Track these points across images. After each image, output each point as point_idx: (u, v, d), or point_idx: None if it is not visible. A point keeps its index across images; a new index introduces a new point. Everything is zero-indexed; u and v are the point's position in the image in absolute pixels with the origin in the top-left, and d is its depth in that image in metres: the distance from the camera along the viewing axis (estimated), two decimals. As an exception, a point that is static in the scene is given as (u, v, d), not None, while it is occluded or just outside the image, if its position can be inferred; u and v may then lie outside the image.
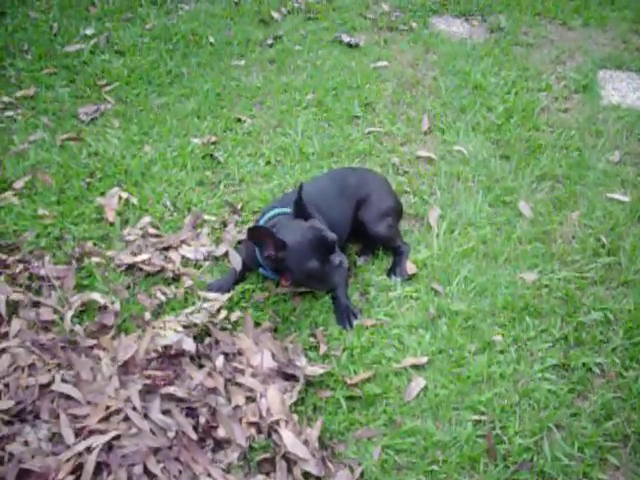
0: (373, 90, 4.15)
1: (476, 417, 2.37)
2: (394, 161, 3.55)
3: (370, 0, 5.32)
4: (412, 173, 3.49)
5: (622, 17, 5.21)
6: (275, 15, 5.06)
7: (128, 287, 2.81)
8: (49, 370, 2.38)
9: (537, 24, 5.07)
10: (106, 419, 2.21)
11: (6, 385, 2.32)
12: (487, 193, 3.35)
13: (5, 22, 4.96)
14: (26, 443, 2.17)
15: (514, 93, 4.14)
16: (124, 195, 3.27)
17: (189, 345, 2.47)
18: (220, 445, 2.23)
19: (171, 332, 2.52)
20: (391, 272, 2.92)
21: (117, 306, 2.70)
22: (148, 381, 2.31)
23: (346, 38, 4.70)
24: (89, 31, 4.84)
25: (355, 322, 2.69)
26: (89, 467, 2.06)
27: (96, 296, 2.71)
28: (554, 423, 2.36)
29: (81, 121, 3.89)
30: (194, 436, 2.20)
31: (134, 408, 2.22)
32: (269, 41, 4.72)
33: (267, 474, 2.18)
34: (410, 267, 2.93)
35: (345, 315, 2.70)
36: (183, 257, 2.95)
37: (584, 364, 2.56)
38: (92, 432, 2.17)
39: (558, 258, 3.02)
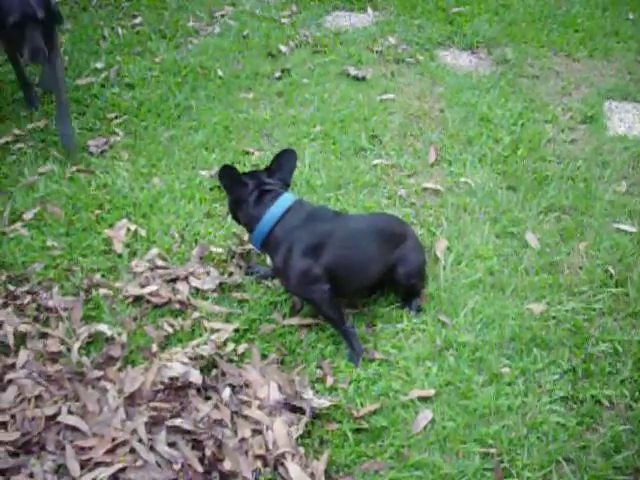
0: (380, 122, 4.17)
1: (484, 450, 2.35)
2: (401, 193, 3.56)
3: (377, 33, 5.37)
4: (419, 205, 3.49)
5: (627, 48, 5.24)
6: (283, 48, 5.11)
7: (135, 319, 2.81)
8: (55, 402, 2.40)
9: (543, 56, 5.10)
10: (112, 451, 2.21)
11: (12, 416, 2.33)
12: (494, 224, 3.36)
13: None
14: (31, 475, 2.17)
15: (520, 125, 4.16)
16: (132, 227, 3.29)
17: (196, 377, 2.47)
18: (226, 478, 2.22)
19: (178, 364, 2.52)
20: (406, 305, 2.92)
21: (124, 338, 2.70)
22: (154, 413, 2.31)
23: (353, 71, 4.73)
24: (99, 65, 4.90)
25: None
26: (95, 500, 2.06)
27: (103, 328, 2.72)
28: (563, 456, 2.34)
29: (90, 153, 3.92)
30: (200, 469, 2.19)
31: (140, 440, 2.22)
32: (277, 74, 4.76)
33: (273, 507, 2.18)
34: (422, 300, 2.95)
35: (355, 352, 2.70)
36: (191, 288, 2.96)
37: (593, 396, 2.54)
38: (98, 464, 2.17)
39: (566, 289, 3.01)
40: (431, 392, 2.53)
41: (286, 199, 2.75)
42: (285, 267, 2.69)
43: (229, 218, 3.36)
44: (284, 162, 2.86)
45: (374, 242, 2.80)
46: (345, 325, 2.72)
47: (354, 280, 2.80)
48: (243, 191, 2.76)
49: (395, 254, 2.84)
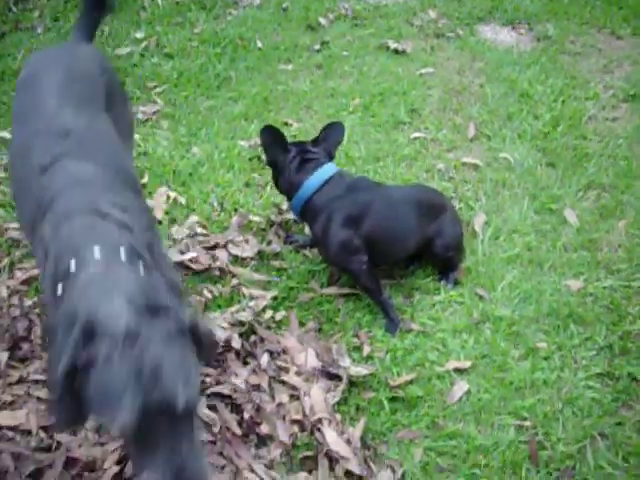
0: (419, 96, 4.15)
1: (518, 422, 2.36)
2: (440, 167, 3.55)
3: (417, 7, 5.33)
4: (457, 179, 3.49)
5: (673, 27, 5.16)
6: (322, 21, 5.09)
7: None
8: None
9: (585, 33, 5.02)
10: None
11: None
12: (532, 200, 3.34)
13: (59, 26, 5.09)
14: (74, 432, 2.22)
15: (561, 101, 4.12)
16: (172, 195, 3.32)
17: (235, 342, 2.51)
18: (263, 441, 2.26)
19: (218, 328, 2.56)
20: (443, 277, 2.93)
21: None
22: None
23: (392, 44, 4.71)
24: (139, 34, 4.92)
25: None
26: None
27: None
28: (598, 432, 2.34)
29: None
30: (238, 431, 2.24)
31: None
32: (316, 47, 4.75)
33: (309, 472, 2.20)
34: (459, 273, 2.95)
35: (393, 324, 2.72)
36: (230, 255, 2.99)
37: (629, 373, 2.53)
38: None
39: (604, 266, 3.00)
40: (467, 364, 2.54)
41: (327, 169, 2.76)
42: (324, 237, 2.70)
43: (268, 188, 3.39)
44: (331, 134, 2.85)
45: (413, 213, 2.80)
46: (382, 296, 2.74)
47: (392, 251, 2.82)
48: (284, 156, 2.77)
49: (433, 226, 2.84)
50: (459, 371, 2.53)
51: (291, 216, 3.17)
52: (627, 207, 3.33)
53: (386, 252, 2.80)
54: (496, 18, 5.25)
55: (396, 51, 4.68)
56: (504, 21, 5.21)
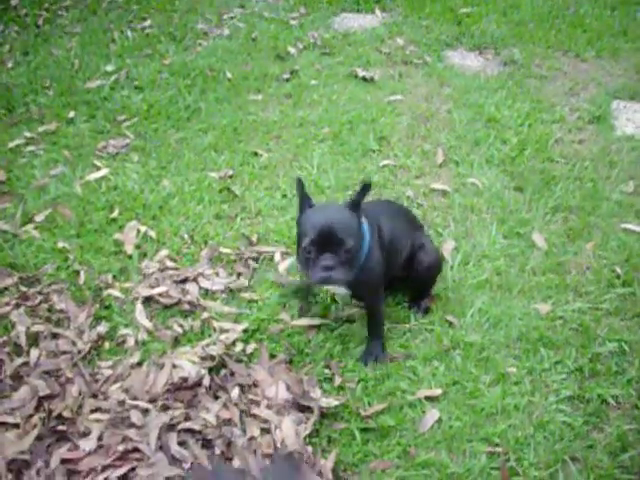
0: (388, 124, 4.19)
1: (490, 449, 2.37)
2: (409, 194, 3.58)
3: (385, 35, 5.40)
4: (426, 206, 3.51)
5: (635, 48, 5.24)
6: (291, 50, 5.14)
7: (145, 319, 2.85)
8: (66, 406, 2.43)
9: (550, 56, 5.11)
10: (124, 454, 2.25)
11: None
12: (501, 225, 3.37)
13: (28, 60, 5.09)
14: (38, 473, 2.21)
15: (528, 125, 4.17)
16: (142, 228, 3.33)
17: (205, 377, 2.51)
18: (235, 476, 2.26)
19: (188, 364, 2.55)
20: (414, 305, 2.94)
21: (135, 338, 2.74)
22: (166, 419, 2.34)
23: (361, 72, 4.76)
24: (109, 67, 4.95)
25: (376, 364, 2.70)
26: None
27: (114, 328, 2.77)
28: (569, 455, 2.35)
29: (101, 156, 3.95)
30: (209, 467, 2.22)
31: (148, 443, 2.26)
32: (285, 76, 4.79)
33: (282, 506, 2.20)
34: (429, 301, 2.98)
35: (373, 356, 2.71)
36: (200, 289, 2.99)
37: (599, 395, 2.55)
38: (105, 468, 2.21)
39: (572, 289, 3.03)
40: (438, 392, 2.55)
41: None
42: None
43: (238, 219, 3.40)
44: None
45: (403, 220, 2.88)
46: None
47: (395, 262, 2.77)
48: None
49: (417, 236, 2.87)
50: (430, 399, 2.54)
51: (263, 248, 3.19)
52: (594, 229, 3.37)
53: (391, 264, 2.72)
54: (463, 44, 5.33)
55: (364, 79, 4.73)
56: (471, 46, 5.29)
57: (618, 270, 3.10)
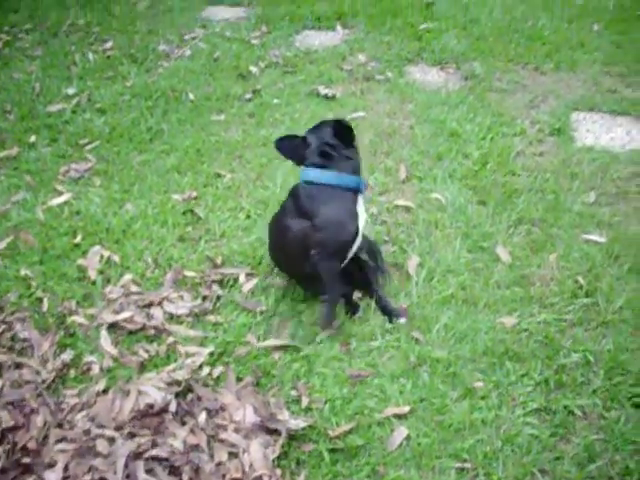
0: (350, 141, 4.19)
1: (459, 465, 2.37)
2: (372, 211, 3.58)
3: (346, 51, 5.43)
4: (390, 222, 3.52)
5: (593, 59, 5.31)
6: (253, 69, 5.15)
7: (110, 345, 2.83)
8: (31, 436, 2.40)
9: (510, 70, 5.17)
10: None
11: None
12: (465, 239, 3.39)
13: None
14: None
15: (489, 139, 4.21)
16: (106, 253, 3.30)
17: (171, 403, 2.49)
18: (204, 503, 2.24)
19: (154, 390, 2.53)
20: (392, 316, 2.97)
21: (100, 365, 2.72)
22: (133, 447, 2.32)
23: (323, 90, 4.78)
24: (71, 90, 4.93)
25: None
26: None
27: (79, 356, 2.74)
28: (538, 468, 2.36)
29: (63, 181, 3.92)
30: (177, 495, 2.21)
31: (115, 472, 2.24)
32: (248, 95, 4.80)
33: (252, 530, 2.19)
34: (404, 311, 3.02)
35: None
36: (165, 313, 2.97)
37: (565, 407, 2.56)
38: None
39: (537, 301, 3.05)
40: (406, 409, 2.55)
41: None
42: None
43: (202, 242, 3.39)
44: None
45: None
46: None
47: None
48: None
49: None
50: (398, 417, 2.53)
51: (227, 270, 3.18)
52: (557, 240, 3.40)
53: None
54: (424, 59, 5.37)
55: (327, 97, 4.74)
56: (432, 61, 5.34)
57: (581, 280, 3.13)
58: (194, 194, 3.73)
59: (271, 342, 2.83)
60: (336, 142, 2.88)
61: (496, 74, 5.09)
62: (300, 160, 2.97)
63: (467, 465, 2.37)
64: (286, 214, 2.91)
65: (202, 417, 2.46)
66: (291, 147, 3.01)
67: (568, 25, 5.90)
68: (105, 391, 2.60)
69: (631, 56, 5.34)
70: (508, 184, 3.80)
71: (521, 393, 2.63)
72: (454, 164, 3.97)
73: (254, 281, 3.14)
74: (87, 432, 2.40)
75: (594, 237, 3.42)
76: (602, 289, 3.09)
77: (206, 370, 2.68)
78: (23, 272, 3.19)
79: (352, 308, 3.01)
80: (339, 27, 5.91)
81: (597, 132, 4.39)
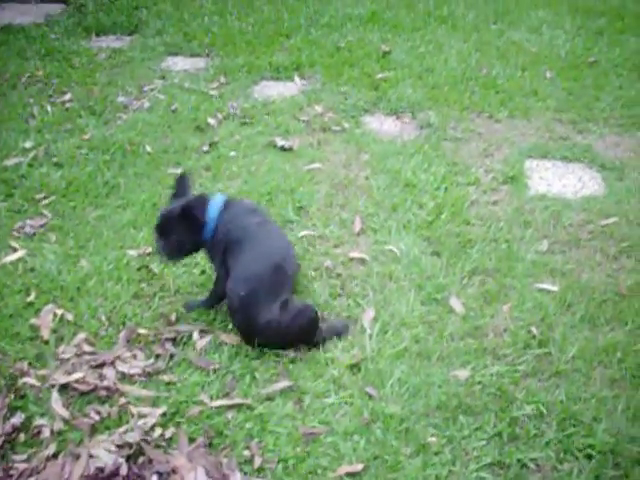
0: (306, 193, 4.23)
1: (413, 523, 2.38)
2: (327, 264, 3.60)
3: (304, 102, 5.48)
4: (345, 275, 3.54)
5: (546, 107, 5.43)
6: (211, 121, 5.18)
7: (64, 407, 2.79)
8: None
9: (465, 118, 5.25)
10: None
11: None
12: (419, 291, 3.42)
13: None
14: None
15: (444, 189, 4.26)
16: (59, 312, 3.27)
17: (122, 466, 2.46)
18: None
19: (105, 453, 2.51)
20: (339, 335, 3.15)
21: (51, 428, 2.68)
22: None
23: (280, 142, 4.81)
24: (28, 144, 4.89)
25: None
26: None
27: (30, 419, 2.70)
28: (491, 524, 2.37)
29: (18, 237, 3.89)
30: None
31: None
32: (205, 148, 4.81)
33: None
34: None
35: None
36: (117, 373, 2.94)
37: (519, 460, 2.58)
38: None
39: (490, 353, 3.07)
40: (359, 467, 2.54)
41: None
42: None
43: (157, 298, 3.38)
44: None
45: None
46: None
47: None
48: None
49: None
50: (352, 475, 2.52)
51: (181, 328, 3.17)
52: (510, 290, 3.44)
53: None
54: (381, 108, 5.45)
55: (283, 148, 4.78)
56: (388, 111, 5.41)
57: (534, 331, 3.16)
58: (150, 249, 3.71)
59: (224, 401, 2.81)
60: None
61: (451, 123, 5.17)
62: (197, 242, 3.27)
63: (421, 523, 2.37)
64: None
65: (153, 481, 2.43)
66: (180, 245, 3.29)
67: (522, 73, 6.03)
68: (55, 455, 2.56)
69: (582, 103, 5.47)
70: (462, 234, 3.84)
71: (475, 447, 2.63)
72: (409, 215, 4.01)
73: (208, 338, 3.13)
74: (35, 500, 2.37)
75: (547, 286, 3.46)
76: (555, 339, 3.13)
77: (158, 431, 2.65)
78: (-26, 333, 3.15)
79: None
80: (297, 78, 5.97)
81: (550, 179, 4.47)
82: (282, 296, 3.03)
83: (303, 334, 3.06)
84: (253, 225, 3.19)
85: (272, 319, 2.97)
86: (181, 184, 3.31)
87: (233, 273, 3.07)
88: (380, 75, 5.93)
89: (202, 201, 3.21)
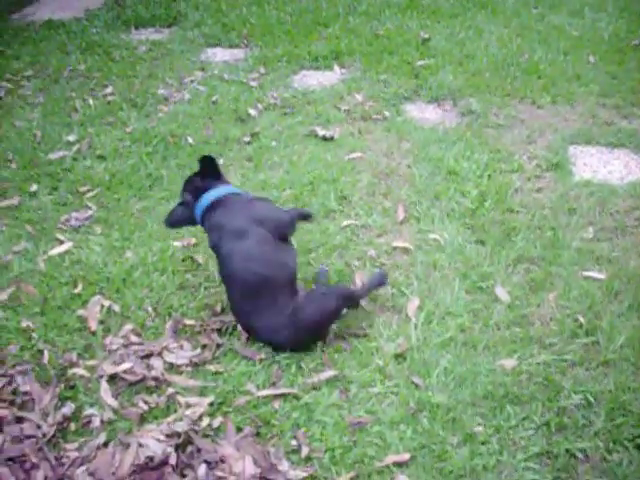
0: (348, 182, 4.23)
1: (461, 513, 2.37)
2: (371, 253, 3.60)
3: (344, 91, 5.47)
4: (389, 265, 3.53)
5: (589, 92, 5.34)
6: (252, 112, 5.19)
7: (111, 397, 2.83)
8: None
9: (507, 105, 5.19)
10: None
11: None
12: (464, 280, 3.39)
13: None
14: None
15: (487, 176, 4.22)
16: (106, 303, 3.31)
17: (171, 456, 2.49)
18: None
19: (154, 442, 2.53)
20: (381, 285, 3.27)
21: (100, 418, 2.72)
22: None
23: (321, 131, 4.81)
24: (72, 137, 4.95)
25: None
26: None
27: (80, 408, 2.75)
28: (540, 514, 2.36)
29: (64, 229, 3.95)
30: None
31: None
32: (246, 138, 4.83)
33: None
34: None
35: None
36: (165, 363, 2.97)
37: (567, 450, 2.55)
38: None
39: (537, 342, 3.04)
40: (406, 457, 2.54)
41: None
42: None
43: (202, 289, 3.40)
44: None
45: None
46: None
47: None
48: None
49: None
50: (399, 465, 2.52)
51: (226, 318, 3.19)
52: (556, 278, 3.40)
53: None
54: (421, 96, 5.41)
55: (324, 138, 4.77)
56: (429, 99, 5.37)
57: (581, 319, 3.12)
58: (194, 240, 3.74)
59: (271, 390, 2.83)
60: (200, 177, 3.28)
61: (493, 109, 5.12)
62: (192, 219, 3.26)
63: (469, 513, 2.36)
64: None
65: (202, 470, 2.45)
66: (177, 216, 3.33)
67: (564, 57, 5.94)
68: (105, 444, 2.60)
69: (627, 87, 5.37)
70: (506, 222, 3.80)
71: (522, 437, 2.62)
72: (452, 203, 3.98)
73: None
74: (87, 487, 2.41)
75: (593, 274, 3.42)
76: (602, 327, 3.08)
77: (206, 421, 2.67)
78: (24, 324, 3.19)
79: None
80: (337, 67, 5.96)
81: (595, 166, 4.41)
82: (282, 294, 3.03)
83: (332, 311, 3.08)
84: (229, 234, 3.06)
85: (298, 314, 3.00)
86: (209, 165, 3.31)
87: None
88: (420, 62, 5.89)
89: (199, 192, 3.25)
